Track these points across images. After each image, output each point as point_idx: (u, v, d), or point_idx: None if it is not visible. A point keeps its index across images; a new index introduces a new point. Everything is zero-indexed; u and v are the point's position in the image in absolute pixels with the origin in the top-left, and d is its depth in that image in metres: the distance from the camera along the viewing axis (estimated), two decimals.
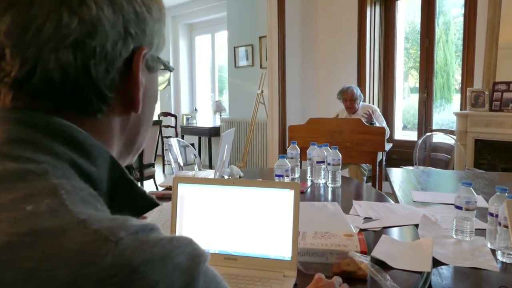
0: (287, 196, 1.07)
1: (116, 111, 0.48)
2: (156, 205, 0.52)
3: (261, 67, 5.82)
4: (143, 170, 4.65)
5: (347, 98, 4.09)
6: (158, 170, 5.93)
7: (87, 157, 0.44)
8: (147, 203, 0.52)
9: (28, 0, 0.40)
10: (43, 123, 0.43)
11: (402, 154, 4.56)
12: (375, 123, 3.88)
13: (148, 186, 4.84)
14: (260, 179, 2.21)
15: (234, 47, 6.27)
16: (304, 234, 1.24)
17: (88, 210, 0.37)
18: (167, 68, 0.55)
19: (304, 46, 5.07)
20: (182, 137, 7.31)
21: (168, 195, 1.74)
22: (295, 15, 4.92)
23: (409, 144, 4.49)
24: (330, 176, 2.07)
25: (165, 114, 7.36)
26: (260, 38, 5.73)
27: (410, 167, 3.81)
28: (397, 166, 4.14)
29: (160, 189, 2.15)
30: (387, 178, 2.43)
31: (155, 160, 4.98)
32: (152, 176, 4.96)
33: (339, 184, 2.08)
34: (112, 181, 0.47)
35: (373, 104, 4.84)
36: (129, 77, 0.47)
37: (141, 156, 4.59)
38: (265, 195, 1.09)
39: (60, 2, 0.41)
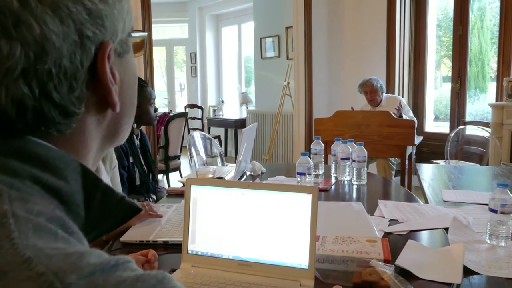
0: (304, 200, 1.01)
1: (89, 114, 0.43)
2: (138, 210, 0.47)
3: (287, 58, 5.72)
4: (169, 162, 4.67)
5: (367, 90, 3.96)
6: (184, 162, 5.96)
7: (51, 171, 0.38)
8: (127, 209, 0.46)
9: None
10: None
11: (433, 147, 4.39)
12: (403, 116, 3.73)
13: (174, 178, 4.86)
14: (283, 176, 2.14)
15: (261, 38, 6.18)
16: (323, 239, 1.18)
17: (41, 242, 0.32)
18: (141, 36, 0.50)
19: (331, 36, 4.94)
20: (209, 129, 7.32)
21: None
22: (322, 4, 4.79)
23: (441, 137, 4.32)
24: (355, 173, 1.99)
25: (192, 106, 7.38)
26: (287, 28, 5.62)
27: (441, 162, 3.67)
28: (428, 159, 3.99)
29: (180, 185, 2.12)
30: (417, 174, 2.33)
31: (180, 152, 4.99)
32: (177, 168, 4.98)
33: (364, 181, 1.99)
34: (86, 190, 0.42)
35: (402, 95, 4.68)
36: (97, 81, 0.41)
37: (166, 148, 4.61)
38: (281, 199, 1.03)
39: None
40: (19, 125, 0.37)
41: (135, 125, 2.10)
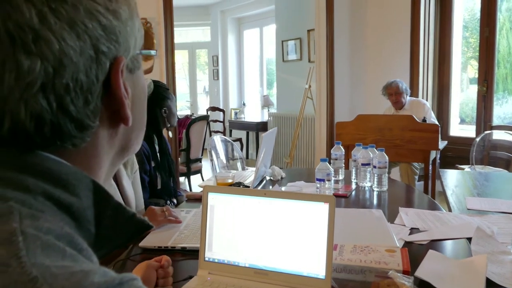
0: (321, 209, 1.00)
1: (103, 128, 0.44)
2: (149, 227, 0.48)
3: (309, 61, 5.70)
4: (190, 165, 4.70)
5: (392, 92, 3.89)
6: (206, 164, 6.00)
7: (64, 187, 0.39)
8: (138, 226, 0.47)
9: None
10: (7, 156, 0.38)
11: (458, 152, 4.29)
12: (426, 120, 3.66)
13: (195, 181, 4.89)
14: (302, 181, 2.13)
15: (282, 41, 6.18)
16: (342, 248, 1.16)
17: (48, 260, 0.32)
18: (150, 53, 0.51)
19: (354, 38, 4.89)
20: (230, 132, 7.35)
21: None
22: (344, 6, 4.75)
23: (466, 141, 4.22)
24: (375, 179, 1.96)
25: (213, 108, 7.42)
26: (309, 31, 5.61)
27: (466, 167, 3.58)
28: (453, 164, 3.90)
29: (200, 189, 2.13)
30: (440, 180, 2.28)
31: (202, 155, 5.02)
32: (199, 171, 5.01)
33: (385, 188, 1.96)
34: (97, 207, 0.42)
35: (426, 98, 4.59)
36: (111, 95, 0.42)
37: (188, 151, 4.64)
38: (298, 208, 1.02)
39: (13, 44, 0.35)
40: (37, 139, 0.38)
41: (168, 126, 2.14)
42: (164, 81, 3.79)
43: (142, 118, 0.50)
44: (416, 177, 3.86)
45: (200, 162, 4.99)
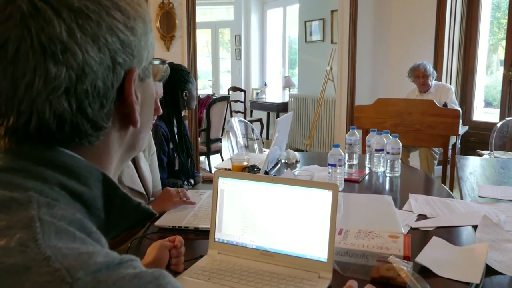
0: (325, 196, 1.04)
1: (114, 129, 0.50)
2: (153, 215, 0.54)
3: (332, 42, 5.65)
4: (210, 145, 4.78)
5: (420, 74, 3.85)
6: (226, 144, 6.07)
7: (76, 179, 0.45)
8: (143, 214, 0.53)
9: (11, 56, 0.40)
10: (30, 151, 0.45)
11: (481, 137, 4.23)
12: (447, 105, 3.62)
13: (215, 161, 4.97)
14: (316, 165, 2.17)
15: (305, 21, 6.13)
16: (346, 232, 1.21)
17: (60, 242, 0.38)
18: (157, 63, 0.56)
19: (377, 20, 4.81)
20: (251, 112, 7.38)
21: None
22: None
23: (489, 126, 4.14)
24: (388, 165, 1.98)
25: (235, 89, 7.45)
26: (332, 12, 5.54)
27: (486, 153, 3.55)
28: (474, 150, 3.87)
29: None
30: (456, 167, 2.28)
31: (222, 135, 5.09)
32: (219, 151, 5.09)
33: (398, 174, 1.98)
34: (106, 196, 0.48)
35: (450, 82, 4.51)
36: (123, 101, 0.48)
37: (208, 131, 4.71)
38: (303, 194, 1.07)
39: (44, 53, 0.40)
40: (58, 136, 0.44)
41: (186, 109, 2.21)
42: (185, 61, 3.84)
43: (148, 121, 0.56)
44: (436, 162, 3.84)
45: (220, 142, 5.06)
